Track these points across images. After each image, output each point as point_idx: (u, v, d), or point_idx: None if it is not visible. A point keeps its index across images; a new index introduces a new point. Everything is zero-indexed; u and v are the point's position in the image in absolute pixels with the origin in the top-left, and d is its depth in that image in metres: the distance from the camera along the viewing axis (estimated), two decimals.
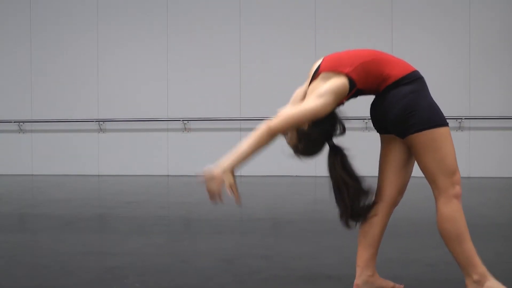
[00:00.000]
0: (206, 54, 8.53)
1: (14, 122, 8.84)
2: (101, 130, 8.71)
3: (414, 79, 2.21)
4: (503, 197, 6.04)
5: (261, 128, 2.15)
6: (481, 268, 2.19)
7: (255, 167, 8.38)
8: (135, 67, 8.67)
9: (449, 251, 2.20)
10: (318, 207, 5.14)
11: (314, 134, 2.23)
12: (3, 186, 7.14)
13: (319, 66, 2.28)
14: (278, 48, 8.40)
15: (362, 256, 2.29)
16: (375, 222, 2.29)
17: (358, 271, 2.29)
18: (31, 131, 8.88)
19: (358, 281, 2.29)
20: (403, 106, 2.15)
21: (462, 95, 8.02)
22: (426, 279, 2.57)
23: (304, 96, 2.33)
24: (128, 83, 8.66)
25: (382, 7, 8.22)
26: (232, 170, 2.12)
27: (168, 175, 8.48)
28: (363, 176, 2.27)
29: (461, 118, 7.94)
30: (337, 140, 2.31)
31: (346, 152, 2.29)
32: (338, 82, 2.17)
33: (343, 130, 2.29)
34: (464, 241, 2.18)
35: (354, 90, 2.21)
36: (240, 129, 8.46)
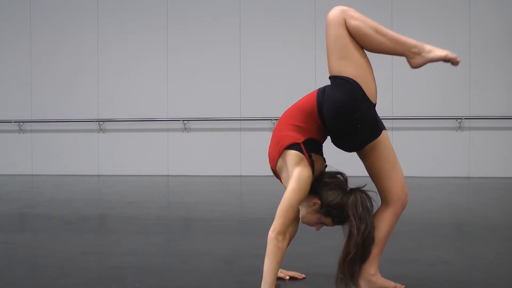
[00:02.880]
0: (206, 54, 8.53)
1: (14, 122, 8.84)
2: (101, 130, 8.71)
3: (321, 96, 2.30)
4: (503, 197, 6.04)
5: (271, 240, 2.18)
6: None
7: (255, 167, 8.40)
8: (135, 67, 8.67)
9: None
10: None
11: (330, 198, 2.26)
12: (3, 186, 7.14)
13: (271, 168, 2.43)
14: (278, 48, 8.40)
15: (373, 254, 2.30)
16: (382, 222, 2.33)
17: (361, 270, 2.30)
18: (31, 131, 8.88)
19: (360, 280, 2.30)
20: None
21: (462, 95, 8.02)
22: (426, 279, 2.56)
23: None
24: (128, 83, 8.66)
25: (381, 6, 8.22)
26: None
27: (168, 175, 8.48)
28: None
29: (461, 118, 7.94)
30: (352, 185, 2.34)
31: (366, 191, 2.29)
32: (290, 154, 2.26)
33: (341, 174, 2.34)
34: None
35: (304, 148, 2.26)
36: (240, 129, 8.46)
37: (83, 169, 8.67)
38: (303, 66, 8.34)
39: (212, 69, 8.52)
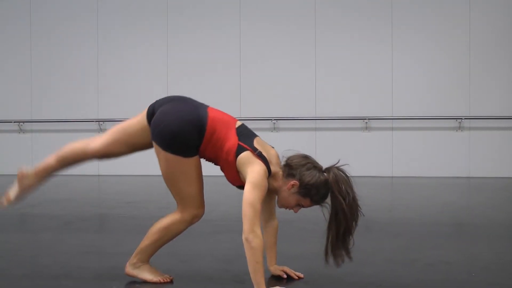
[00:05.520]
0: (206, 53, 8.53)
1: (14, 122, 8.84)
2: (101, 130, 8.71)
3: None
4: (503, 197, 6.04)
5: (244, 244, 2.22)
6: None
7: None
8: (135, 67, 8.67)
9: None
10: (318, 207, 5.13)
11: (308, 178, 2.31)
12: (3, 186, 7.13)
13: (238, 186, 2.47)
14: (278, 48, 8.40)
15: (141, 244, 2.55)
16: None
17: (133, 254, 2.55)
18: (31, 131, 8.88)
19: (129, 262, 2.55)
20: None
21: (462, 95, 8.02)
22: (426, 279, 2.56)
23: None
24: (128, 83, 8.66)
25: (382, 7, 8.22)
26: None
27: None
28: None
29: (461, 118, 7.94)
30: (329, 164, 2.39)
31: (340, 167, 2.34)
32: (239, 161, 2.31)
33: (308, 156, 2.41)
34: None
35: (244, 144, 2.34)
36: None
37: (83, 169, 8.59)
38: (303, 66, 8.34)
39: (212, 69, 8.52)
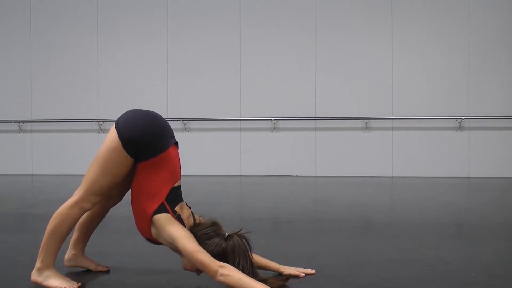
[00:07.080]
0: (206, 54, 8.53)
1: (14, 122, 8.84)
2: (101, 130, 8.71)
3: None
4: (503, 197, 6.04)
5: (224, 280, 2.23)
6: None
7: (255, 167, 8.41)
8: (135, 67, 8.67)
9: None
10: (318, 207, 5.14)
11: (211, 247, 2.37)
12: (3, 186, 7.14)
13: (147, 238, 2.55)
14: (278, 48, 8.40)
15: (74, 237, 2.76)
16: (96, 218, 2.72)
17: (68, 248, 2.77)
18: (31, 131, 8.88)
19: (65, 256, 2.77)
20: None
21: (462, 95, 8.02)
22: (426, 279, 2.56)
23: None
24: (128, 83, 8.66)
25: (382, 7, 8.22)
26: None
27: None
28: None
29: (461, 118, 7.95)
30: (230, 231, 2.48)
31: (242, 235, 2.45)
32: (158, 220, 2.40)
33: (215, 222, 2.49)
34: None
35: (167, 205, 2.42)
36: (240, 129, 8.46)
37: (83, 169, 8.62)
38: (302, 66, 8.34)
39: (212, 69, 8.52)
